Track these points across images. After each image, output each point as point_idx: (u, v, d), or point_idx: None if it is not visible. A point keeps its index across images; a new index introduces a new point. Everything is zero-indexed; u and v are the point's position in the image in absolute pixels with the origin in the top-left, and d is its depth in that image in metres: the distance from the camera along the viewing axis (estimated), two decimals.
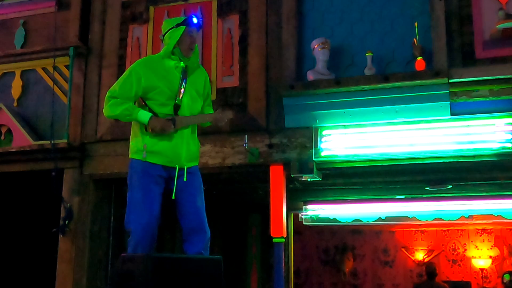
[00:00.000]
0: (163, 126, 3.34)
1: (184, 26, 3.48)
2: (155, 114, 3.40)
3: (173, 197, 3.41)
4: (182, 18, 3.55)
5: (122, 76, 3.53)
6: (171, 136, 3.40)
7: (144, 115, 3.37)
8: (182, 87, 3.46)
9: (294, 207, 6.77)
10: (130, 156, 3.47)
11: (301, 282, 10.45)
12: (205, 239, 3.43)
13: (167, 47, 3.51)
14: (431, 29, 4.64)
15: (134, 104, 3.46)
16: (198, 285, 3.04)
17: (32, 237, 6.47)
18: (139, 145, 3.42)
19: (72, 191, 5.49)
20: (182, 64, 3.50)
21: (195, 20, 3.51)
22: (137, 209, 3.32)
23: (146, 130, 3.40)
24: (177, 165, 3.41)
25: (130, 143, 3.51)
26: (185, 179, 3.43)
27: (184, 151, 3.45)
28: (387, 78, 4.58)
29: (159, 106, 3.41)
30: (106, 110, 3.47)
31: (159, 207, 3.39)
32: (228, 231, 8.07)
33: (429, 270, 7.40)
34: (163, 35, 3.56)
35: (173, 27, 3.52)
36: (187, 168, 3.44)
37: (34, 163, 5.60)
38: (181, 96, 3.45)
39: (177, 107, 3.43)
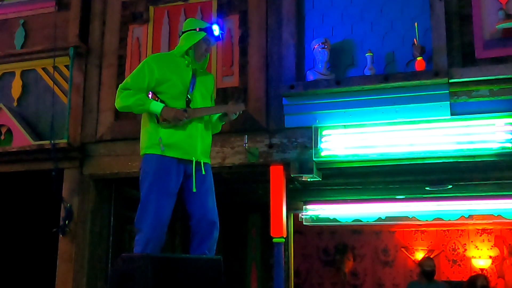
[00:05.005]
0: (176, 114, 3.33)
1: (205, 33, 3.48)
2: None
3: (194, 190, 3.39)
4: (205, 24, 3.55)
5: (134, 71, 3.54)
6: (186, 128, 3.39)
7: (157, 105, 3.37)
8: (192, 84, 3.48)
9: (294, 207, 6.78)
10: (143, 152, 3.45)
11: (301, 282, 10.45)
12: (211, 240, 3.43)
13: (181, 48, 3.53)
14: (431, 29, 4.64)
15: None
16: (198, 285, 3.04)
17: (32, 237, 6.47)
18: (153, 139, 3.39)
19: (72, 191, 5.49)
20: (192, 65, 3.52)
21: (216, 32, 3.52)
22: (151, 207, 3.29)
23: (158, 121, 3.39)
24: (193, 158, 3.40)
25: (141, 140, 3.49)
26: (203, 172, 3.42)
27: (199, 144, 3.45)
28: (387, 78, 4.58)
29: (171, 99, 3.42)
30: (118, 102, 3.46)
31: (173, 207, 3.38)
32: (228, 231, 8.06)
33: (426, 268, 6.09)
34: (182, 32, 3.57)
35: (194, 30, 3.51)
36: (203, 164, 3.45)
37: (34, 163, 5.60)
38: (192, 92, 3.46)
39: (189, 101, 3.44)
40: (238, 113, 3.58)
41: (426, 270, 6.06)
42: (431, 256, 9.88)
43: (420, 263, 6.34)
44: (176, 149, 3.37)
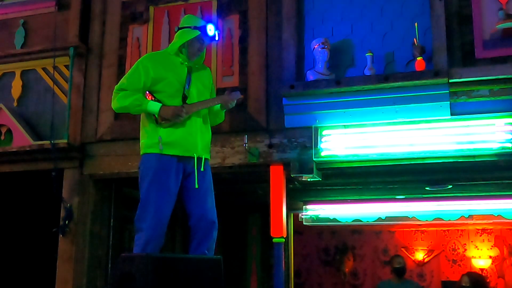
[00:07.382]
0: (175, 112, 3.32)
1: (199, 32, 3.47)
2: None
3: (197, 186, 3.38)
4: (200, 23, 3.52)
5: (128, 71, 3.53)
6: (185, 125, 3.39)
7: (154, 105, 3.36)
8: (188, 80, 3.47)
9: (294, 207, 6.77)
10: (143, 152, 3.43)
11: (301, 282, 10.44)
12: (211, 240, 3.43)
13: (173, 45, 3.51)
14: (431, 29, 4.64)
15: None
16: (198, 285, 3.04)
17: (32, 237, 6.47)
18: (153, 139, 3.38)
19: (72, 191, 5.49)
20: (187, 63, 3.52)
21: (210, 32, 3.49)
22: (151, 207, 3.28)
23: (157, 122, 3.39)
24: (194, 154, 3.40)
25: (141, 141, 3.48)
26: (202, 169, 3.42)
27: (200, 140, 3.45)
28: (387, 78, 4.58)
29: (168, 97, 3.40)
30: (115, 103, 3.44)
31: (173, 206, 3.37)
32: (228, 231, 8.06)
33: (396, 265, 6.02)
34: (179, 29, 3.56)
35: (189, 27, 3.50)
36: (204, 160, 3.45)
37: (34, 163, 5.60)
38: (188, 88, 3.46)
39: (185, 98, 3.43)
40: (235, 101, 3.57)
41: (396, 267, 5.99)
42: (432, 256, 9.93)
43: (390, 261, 6.28)
44: (177, 146, 3.37)
